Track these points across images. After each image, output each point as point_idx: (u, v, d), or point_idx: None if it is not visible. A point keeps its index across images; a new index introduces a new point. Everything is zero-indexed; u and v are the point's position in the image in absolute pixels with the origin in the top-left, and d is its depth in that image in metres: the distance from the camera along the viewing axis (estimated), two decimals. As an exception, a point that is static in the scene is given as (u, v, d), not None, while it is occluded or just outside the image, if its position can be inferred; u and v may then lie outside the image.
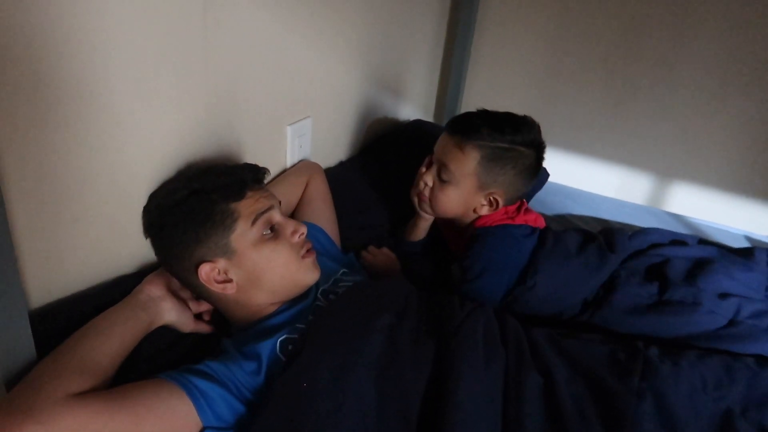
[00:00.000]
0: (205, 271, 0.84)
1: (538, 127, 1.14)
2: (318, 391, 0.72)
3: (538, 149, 1.13)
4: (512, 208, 1.17)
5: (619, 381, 0.79)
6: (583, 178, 1.85)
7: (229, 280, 0.86)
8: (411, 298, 0.89)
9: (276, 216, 0.89)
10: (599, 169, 1.85)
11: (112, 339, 0.77)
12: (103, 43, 0.76)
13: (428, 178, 1.16)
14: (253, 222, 0.85)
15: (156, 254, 0.90)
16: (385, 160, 1.50)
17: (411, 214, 1.28)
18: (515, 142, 1.10)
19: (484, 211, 1.15)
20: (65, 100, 0.74)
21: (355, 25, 1.36)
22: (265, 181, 0.97)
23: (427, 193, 1.17)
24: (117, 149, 0.83)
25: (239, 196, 0.85)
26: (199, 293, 0.89)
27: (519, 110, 1.15)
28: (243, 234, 0.85)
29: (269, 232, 0.88)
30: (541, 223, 1.22)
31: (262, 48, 1.06)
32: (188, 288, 0.89)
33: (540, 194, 1.60)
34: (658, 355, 0.86)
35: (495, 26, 1.85)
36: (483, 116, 1.14)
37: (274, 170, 1.22)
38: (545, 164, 1.18)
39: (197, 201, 0.84)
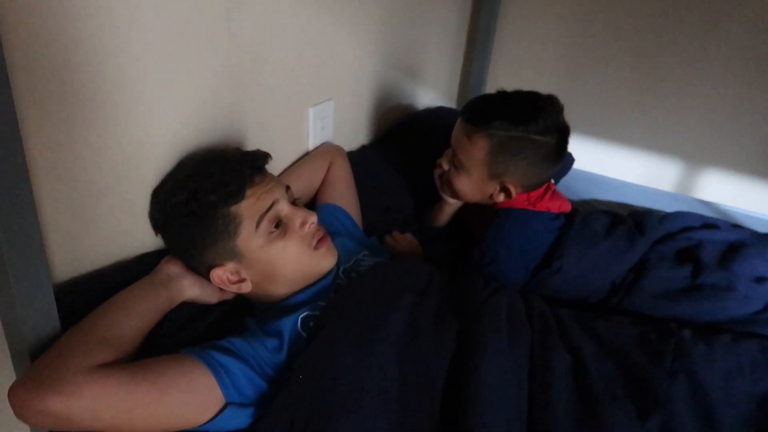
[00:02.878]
0: (217, 275, 0.83)
1: (562, 108, 1.08)
2: (339, 367, 0.71)
3: (560, 134, 1.07)
4: (536, 193, 1.14)
5: (651, 361, 0.77)
6: (609, 165, 1.81)
7: (243, 280, 0.85)
8: (433, 277, 0.88)
9: (283, 208, 0.86)
10: (626, 155, 1.81)
11: (133, 313, 0.77)
12: (126, 16, 0.76)
13: (445, 163, 1.15)
14: (258, 224, 0.82)
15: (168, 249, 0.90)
16: (407, 145, 1.48)
17: (435, 199, 1.26)
18: (529, 131, 1.03)
19: (501, 198, 1.11)
20: (87, 75, 0.74)
21: (377, 8, 1.35)
22: (281, 168, 0.94)
23: (445, 177, 1.16)
24: (136, 125, 0.83)
25: (239, 197, 0.81)
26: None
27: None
28: (249, 237, 0.83)
29: (276, 229, 0.85)
30: (567, 208, 1.19)
31: (285, 28, 1.05)
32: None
33: (565, 180, 1.57)
34: (691, 337, 0.83)
35: (520, 9, 1.82)
36: (498, 102, 1.09)
37: (296, 152, 1.21)
38: (570, 149, 1.14)
39: (197, 206, 0.80)
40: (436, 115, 1.63)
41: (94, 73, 0.74)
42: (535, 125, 1.03)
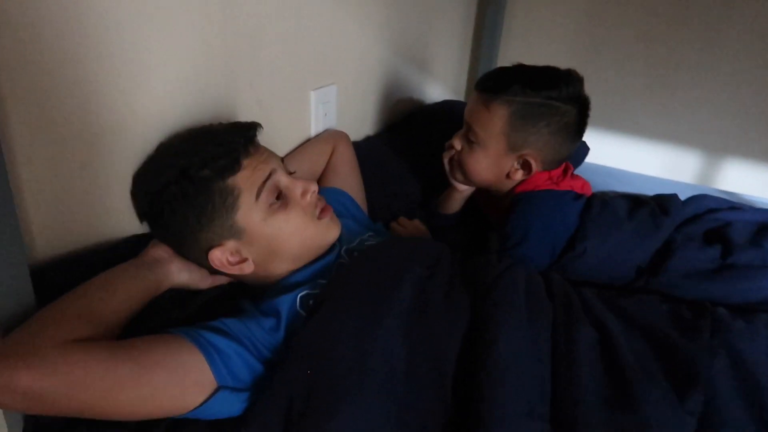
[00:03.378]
0: (216, 256, 0.76)
1: (581, 79, 1.02)
2: (341, 344, 0.64)
3: (581, 105, 1.02)
4: (556, 172, 1.07)
5: (687, 338, 0.69)
6: (625, 157, 1.74)
7: (245, 260, 0.78)
8: (444, 253, 0.81)
9: (282, 179, 0.80)
10: (642, 146, 1.74)
11: (117, 293, 0.71)
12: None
13: (456, 142, 1.08)
14: (258, 195, 0.76)
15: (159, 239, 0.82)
16: (414, 137, 1.43)
17: (443, 186, 1.20)
18: (551, 97, 0.98)
19: (519, 176, 1.05)
20: (63, 39, 0.68)
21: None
22: (282, 154, 0.88)
23: (456, 158, 1.09)
24: (117, 94, 0.77)
25: (235, 168, 0.75)
26: (214, 271, 0.81)
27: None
28: (249, 210, 0.76)
29: (276, 200, 0.79)
30: (588, 190, 1.12)
31: (284, 3, 1.00)
32: (202, 267, 0.81)
33: (579, 172, 1.51)
34: (728, 314, 0.75)
35: (528, 1, 1.77)
36: (516, 71, 1.04)
37: (297, 137, 1.16)
38: (584, 137, 1.08)
39: (189, 183, 0.73)
40: (444, 108, 1.58)
41: (71, 37, 0.69)
42: (557, 91, 0.98)
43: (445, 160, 1.13)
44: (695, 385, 0.64)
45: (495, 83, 1.02)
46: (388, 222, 1.13)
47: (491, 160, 1.04)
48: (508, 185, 1.08)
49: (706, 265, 0.94)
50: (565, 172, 1.09)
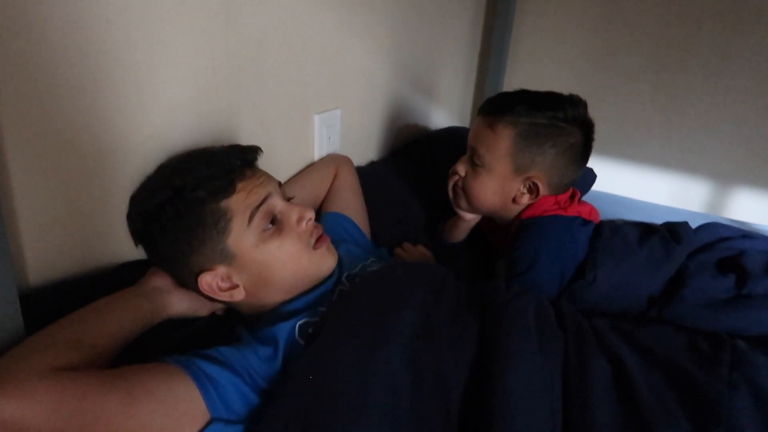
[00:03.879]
0: (206, 281, 0.74)
1: (585, 104, 1.01)
2: (341, 370, 0.60)
3: (586, 128, 1.01)
4: (563, 197, 1.04)
5: (705, 371, 0.65)
6: (633, 185, 1.72)
7: (235, 286, 0.76)
8: (449, 278, 0.78)
9: (277, 203, 0.78)
10: (650, 174, 1.72)
11: (110, 322, 0.68)
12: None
13: (460, 168, 1.06)
14: (250, 219, 0.74)
15: (151, 261, 0.80)
16: (418, 162, 1.42)
17: (448, 212, 1.17)
18: (556, 117, 0.97)
19: (525, 200, 1.02)
20: (66, 59, 0.67)
21: (386, 20, 1.30)
22: (285, 178, 0.86)
23: (460, 184, 1.07)
24: (117, 116, 0.75)
25: (229, 190, 0.73)
26: (207, 297, 0.78)
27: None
28: (240, 235, 0.74)
29: (270, 225, 0.76)
30: (597, 217, 1.10)
31: (287, 24, 1.00)
32: (195, 291, 0.78)
33: (587, 199, 1.48)
34: (747, 346, 0.72)
35: (533, 29, 1.77)
36: (520, 94, 1.03)
37: (300, 161, 1.14)
38: (591, 164, 1.06)
39: (182, 203, 0.72)
40: (449, 134, 1.56)
41: (74, 57, 0.68)
42: (562, 112, 0.97)
43: (450, 188, 1.11)
44: (717, 423, 0.60)
45: (499, 105, 1.01)
46: (392, 247, 1.10)
47: (497, 184, 1.02)
48: (513, 211, 1.05)
49: (721, 294, 0.91)
50: (572, 197, 1.07)
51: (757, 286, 0.90)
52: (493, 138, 0.99)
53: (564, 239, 0.99)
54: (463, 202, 1.09)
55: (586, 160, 1.04)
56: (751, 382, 0.64)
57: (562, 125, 0.98)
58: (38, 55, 0.65)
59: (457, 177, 1.07)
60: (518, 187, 1.01)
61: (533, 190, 1.01)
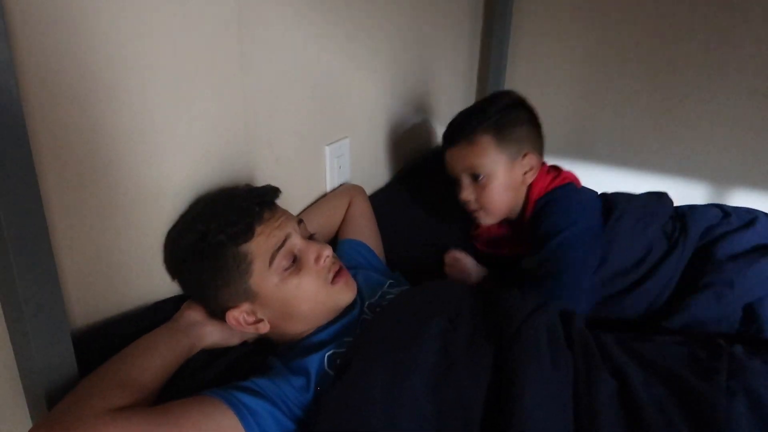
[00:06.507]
0: (233, 316, 0.81)
1: (510, 91, 1.20)
2: (370, 404, 0.66)
3: (522, 103, 1.18)
4: (552, 173, 1.18)
5: (704, 380, 0.71)
6: (632, 185, 1.75)
7: (260, 320, 0.83)
8: (464, 301, 0.83)
9: (296, 243, 0.83)
10: (647, 180, 1.77)
11: (154, 358, 0.75)
12: (140, 58, 0.76)
13: (467, 194, 1.15)
14: (271, 261, 0.80)
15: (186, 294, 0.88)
16: (427, 183, 1.46)
17: (462, 226, 1.29)
18: (504, 106, 1.14)
19: (531, 176, 1.14)
20: (102, 118, 0.74)
21: (389, 48, 1.36)
22: (299, 209, 0.92)
23: (476, 206, 1.16)
24: (151, 166, 0.82)
25: (248, 234, 0.79)
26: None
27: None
28: (262, 276, 0.80)
29: (290, 265, 0.82)
30: (578, 181, 1.22)
31: (297, 65, 1.06)
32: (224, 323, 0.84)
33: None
34: (744, 353, 0.77)
35: (529, 50, 1.82)
36: (464, 114, 1.18)
37: (314, 192, 1.20)
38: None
39: (207, 247, 0.78)
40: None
41: (105, 119, 0.74)
42: (500, 101, 1.16)
43: (471, 214, 1.19)
44: (715, 428, 0.65)
45: (461, 127, 1.15)
46: (408, 271, 1.15)
47: (505, 181, 1.13)
48: (523, 195, 1.16)
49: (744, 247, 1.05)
50: (553, 168, 1.21)
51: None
52: (480, 149, 1.11)
53: (581, 197, 1.12)
54: (487, 218, 1.18)
55: (541, 126, 1.20)
56: (748, 389, 0.70)
57: (511, 109, 1.15)
58: (79, 121, 0.71)
59: (470, 202, 1.14)
60: (520, 170, 1.13)
61: (533, 162, 1.14)
